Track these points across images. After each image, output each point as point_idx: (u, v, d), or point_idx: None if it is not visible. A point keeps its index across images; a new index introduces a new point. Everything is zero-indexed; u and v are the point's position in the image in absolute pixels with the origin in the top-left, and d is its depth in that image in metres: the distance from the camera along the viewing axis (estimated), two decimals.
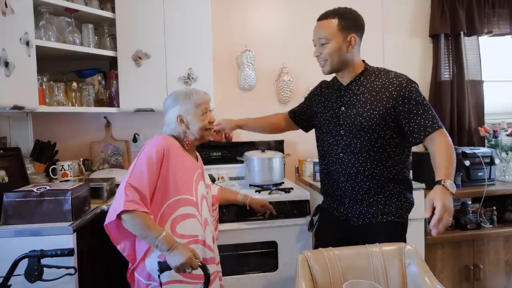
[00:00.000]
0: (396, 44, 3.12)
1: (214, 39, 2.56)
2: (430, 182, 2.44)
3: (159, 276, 1.36)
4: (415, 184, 2.45)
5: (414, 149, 3.08)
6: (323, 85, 1.85)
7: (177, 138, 1.58)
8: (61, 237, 1.57)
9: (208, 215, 1.60)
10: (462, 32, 3.06)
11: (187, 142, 1.58)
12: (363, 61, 1.69)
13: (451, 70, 3.11)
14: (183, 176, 1.50)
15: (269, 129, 2.07)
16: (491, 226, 2.68)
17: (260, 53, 2.93)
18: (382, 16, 3.08)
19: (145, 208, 1.36)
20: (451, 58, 3.11)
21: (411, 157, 1.74)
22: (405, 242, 1.64)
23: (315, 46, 1.65)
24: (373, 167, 1.61)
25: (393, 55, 3.11)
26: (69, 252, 1.44)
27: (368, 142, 1.60)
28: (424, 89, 3.12)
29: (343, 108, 1.66)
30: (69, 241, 1.56)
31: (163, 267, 1.34)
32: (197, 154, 1.72)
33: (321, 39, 1.59)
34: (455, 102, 3.09)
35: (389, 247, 1.53)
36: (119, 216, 1.32)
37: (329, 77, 1.79)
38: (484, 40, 3.23)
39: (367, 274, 1.49)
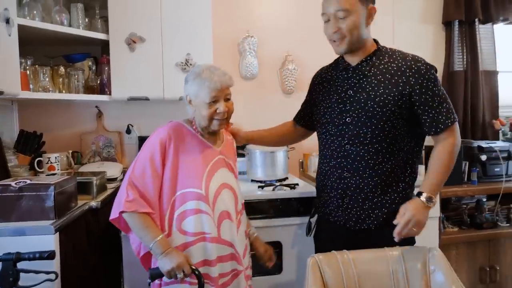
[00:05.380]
0: (407, 31, 2.94)
1: (214, 23, 2.37)
2: (449, 180, 2.32)
3: (149, 284, 1.28)
4: None
5: (427, 142, 2.94)
6: (322, 71, 1.66)
7: (192, 122, 1.44)
8: (42, 237, 1.39)
9: (232, 206, 1.43)
10: (477, 19, 2.89)
11: (194, 127, 1.42)
12: (375, 40, 1.51)
13: (464, 60, 2.94)
14: (190, 167, 1.36)
15: (279, 140, 1.86)
16: (508, 225, 2.52)
17: (263, 40, 2.75)
18: (393, 1, 2.90)
19: (147, 207, 1.31)
20: (465, 47, 2.94)
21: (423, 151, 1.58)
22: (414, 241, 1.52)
23: (326, 21, 1.42)
24: (384, 161, 1.44)
25: (404, 43, 2.88)
26: (49, 255, 1.27)
27: (381, 131, 1.42)
28: None
29: (351, 91, 1.47)
30: (50, 242, 1.39)
31: (153, 274, 1.26)
32: (226, 137, 1.54)
33: (339, 12, 1.37)
34: (468, 94, 2.92)
35: (410, 251, 1.37)
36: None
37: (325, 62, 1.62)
38: (498, 28, 3.06)
39: (386, 281, 1.34)
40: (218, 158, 1.43)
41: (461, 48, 2.94)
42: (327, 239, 1.58)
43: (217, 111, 1.35)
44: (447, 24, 2.95)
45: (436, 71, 1.44)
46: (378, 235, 1.45)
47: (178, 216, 1.35)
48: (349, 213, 1.49)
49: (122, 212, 1.30)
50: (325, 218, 1.59)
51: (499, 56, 3.01)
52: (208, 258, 1.34)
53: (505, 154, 2.54)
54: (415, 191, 1.52)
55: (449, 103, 1.43)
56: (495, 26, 3.01)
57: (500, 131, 2.93)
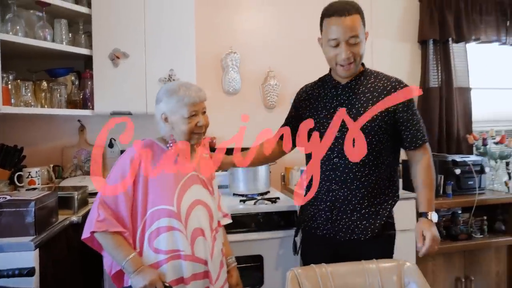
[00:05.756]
0: (385, 48, 3.05)
1: (197, 40, 2.41)
2: None
3: None
4: (405, 194, 2.36)
5: (403, 157, 3.02)
6: (307, 88, 1.71)
7: (165, 140, 1.45)
8: (22, 253, 1.38)
9: (206, 223, 1.41)
10: (450, 38, 3.03)
11: (171, 145, 1.43)
12: None
13: (439, 77, 3.06)
14: (162, 184, 1.37)
15: (267, 158, 1.81)
16: (481, 236, 2.61)
17: (246, 56, 2.81)
18: (371, 20, 3.00)
19: (118, 226, 1.31)
20: (439, 65, 3.06)
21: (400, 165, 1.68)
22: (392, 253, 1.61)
23: (334, 46, 1.47)
24: (370, 173, 1.52)
25: (382, 60, 3.03)
26: (28, 272, 1.26)
27: (368, 145, 1.50)
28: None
29: (340, 108, 1.54)
30: (30, 258, 1.38)
31: None
32: (201, 154, 1.54)
33: (352, 38, 1.44)
34: (443, 109, 3.04)
35: (387, 264, 1.42)
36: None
37: (307, 80, 1.70)
38: (471, 47, 3.20)
39: None
40: (192, 175, 1.43)
41: (436, 65, 3.07)
42: (315, 254, 1.60)
43: (198, 124, 1.38)
44: (423, 42, 3.07)
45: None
46: (368, 246, 1.52)
47: (151, 234, 1.34)
48: (338, 224, 1.55)
49: (93, 232, 1.30)
50: (311, 232, 1.63)
51: (471, 74, 3.15)
52: (183, 275, 1.33)
53: (478, 168, 2.64)
54: (393, 206, 1.61)
55: (423, 123, 1.58)
56: (467, 45, 3.15)
57: (473, 146, 3.04)
